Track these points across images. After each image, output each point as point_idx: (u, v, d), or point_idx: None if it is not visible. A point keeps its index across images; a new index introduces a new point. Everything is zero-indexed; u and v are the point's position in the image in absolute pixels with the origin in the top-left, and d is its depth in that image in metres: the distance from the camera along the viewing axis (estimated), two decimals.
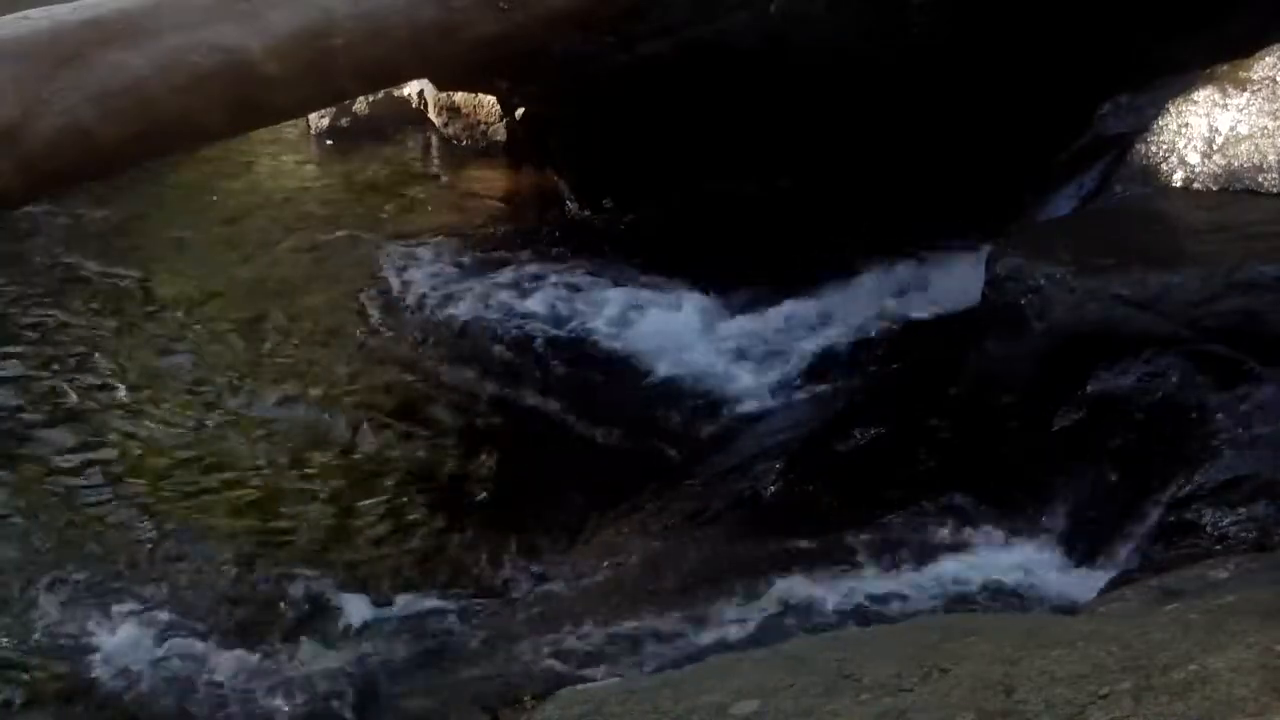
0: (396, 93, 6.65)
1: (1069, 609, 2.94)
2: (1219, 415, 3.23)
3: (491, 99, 6.35)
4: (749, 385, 4.54)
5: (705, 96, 4.96)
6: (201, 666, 3.39)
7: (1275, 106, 3.89)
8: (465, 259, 5.41)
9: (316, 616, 3.59)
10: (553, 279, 5.20)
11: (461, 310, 5.07)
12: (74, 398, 4.56)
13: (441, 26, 3.41)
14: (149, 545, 3.86)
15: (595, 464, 4.26)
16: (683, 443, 4.31)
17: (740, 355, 4.70)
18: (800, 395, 4.46)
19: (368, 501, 4.09)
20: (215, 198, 6.13)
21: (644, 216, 5.50)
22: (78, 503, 4.05)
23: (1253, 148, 3.88)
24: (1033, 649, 1.99)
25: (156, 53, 2.99)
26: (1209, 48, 4.23)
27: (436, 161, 6.55)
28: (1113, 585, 2.94)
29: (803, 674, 2.05)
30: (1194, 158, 3.95)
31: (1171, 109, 4.04)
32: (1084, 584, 3.19)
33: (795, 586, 3.40)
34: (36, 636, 3.49)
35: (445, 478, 4.21)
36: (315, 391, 4.62)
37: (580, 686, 2.38)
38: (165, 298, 5.26)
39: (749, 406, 4.46)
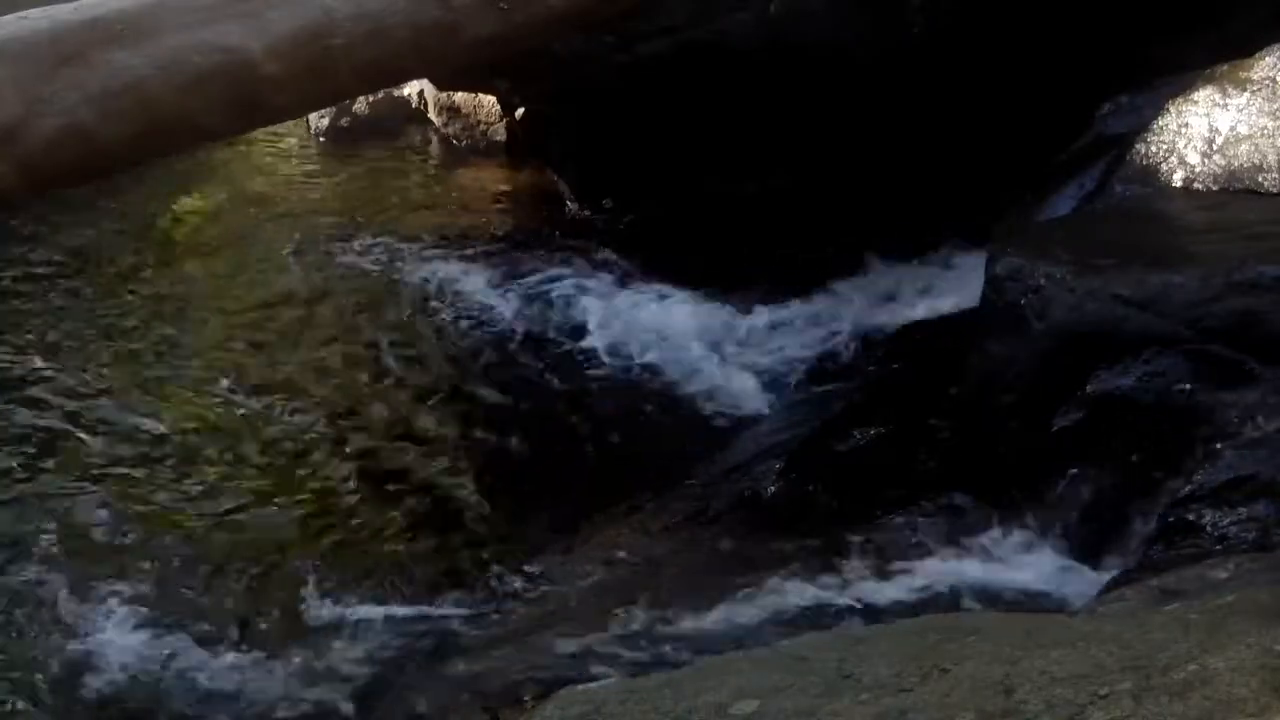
0: (396, 93, 6.65)
1: (1069, 609, 2.94)
2: (1219, 415, 3.22)
3: (491, 99, 6.35)
4: (749, 385, 4.54)
5: (705, 96, 4.96)
6: (201, 666, 3.39)
7: (1275, 106, 3.89)
8: (465, 259, 5.41)
9: (316, 616, 3.59)
10: (552, 279, 5.20)
11: (461, 310, 5.07)
12: (74, 397, 4.56)
13: (442, 26, 3.41)
14: (149, 545, 3.86)
15: (595, 464, 4.26)
16: (682, 443, 4.31)
17: (740, 355, 4.70)
18: (800, 395, 4.46)
19: (367, 502, 4.09)
20: (214, 197, 6.13)
21: (644, 216, 5.50)
22: (78, 502, 4.05)
23: (1253, 148, 3.88)
24: (1033, 649, 1.99)
25: (156, 53, 2.99)
26: (1209, 48, 4.24)
27: (436, 161, 6.55)
28: (1113, 585, 2.94)
29: (803, 674, 2.05)
30: (1194, 158, 3.95)
31: (1171, 109, 4.04)
32: (1084, 584, 3.19)
33: (795, 586, 3.39)
34: (36, 636, 3.49)
35: (445, 477, 4.21)
36: (313, 392, 4.62)
37: (580, 686, 2.38)
38: (164, 298, 5.26)
39: (749, 406, 4.46)
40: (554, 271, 5.26)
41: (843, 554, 3.50)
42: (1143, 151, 4.04)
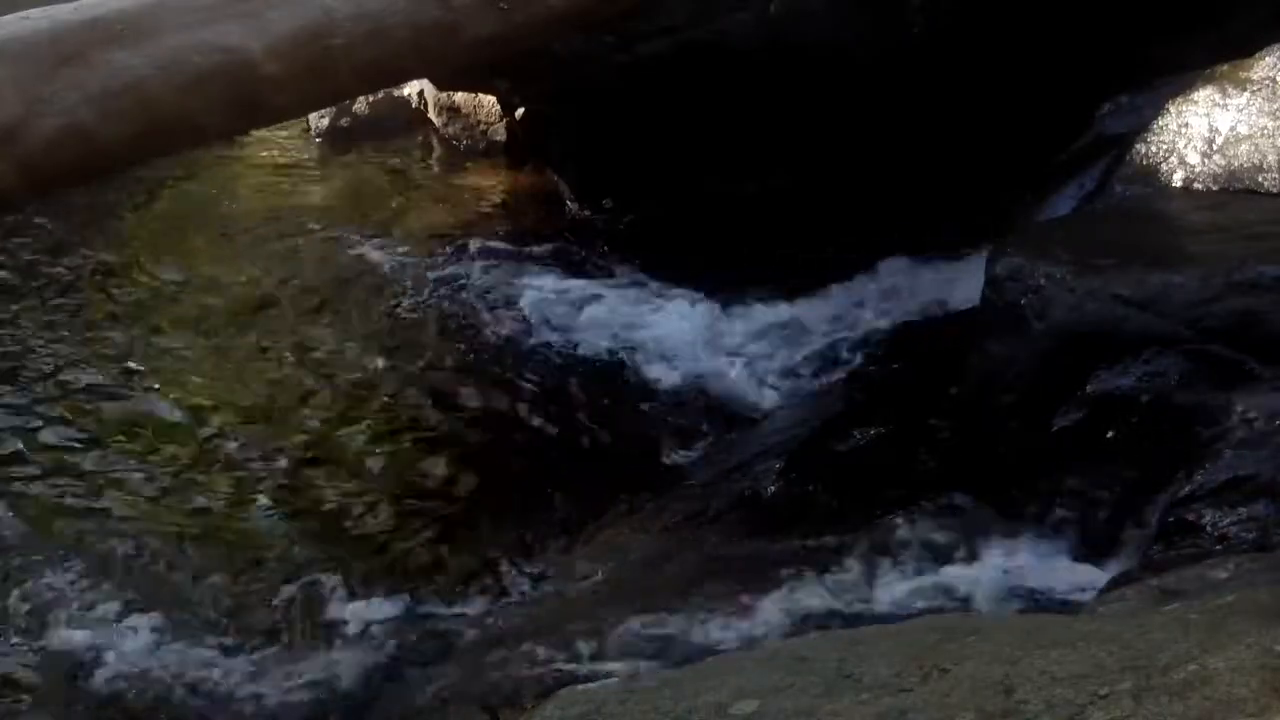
0: (396, 93, 6.65)
1: (1069, 609, 2.94)
2: (1219, 415, 3.22)
3: (491, 99, 6.35)
4: (749, 385, 4.54)
5: (705, 96, 4.96)
6: (201, 666, 3.39)
7: (1275, 106, 3.89)
8: (465, 259, 5.41)
9: (317, 617, 3.59)
10: (552, 279, 5.21)
11: (461, 311, 5.07)
12: (75, 396, 4.56)
13: (442, 26, 3.41)
14: (149, 545, 3.86)
15: (596, 464, 4.26)
16: (683, 443, 4.32)
17: (740, 355, 4.70)
18: (800, 395, 4.46)
19: (368, 501, 4.09)
20: (214, 198, 6.13)
21: (644, 216, 5.50)
22: (78, 502, 4.05)
23: (1253, 148, 3.88)
24: (1033, 649, 1.99)
25: (156, 53, 2.99)
26: (1209, 48, 4.24)
27: (436, 162, 6.55)
28: (1113, 585, 2.94)
29: (803, 674, 2.05)
30: (1194, 158, 3.95)
31: (1171, 109, 4.04)
32: (1084, 584, 3.19)
33: (795, 586, 3.40)
34: (37, 636, 3.49)
35: (445, 478, 4.21)
36: (313, 392, 4.62)
37: (580, 686, 2.38)
38: (164, 297, 5.26)
39: (749, 406, 4.46)
40: (553, 272, 5.26)
41: (843, 554, 3.50)
42: (1143, 151, 4.04)
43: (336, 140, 6.68)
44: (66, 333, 4.96)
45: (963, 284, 4.45)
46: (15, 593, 3.65)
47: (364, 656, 3.43)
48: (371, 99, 6.56)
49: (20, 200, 3.10)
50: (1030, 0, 4.71)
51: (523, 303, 5.06)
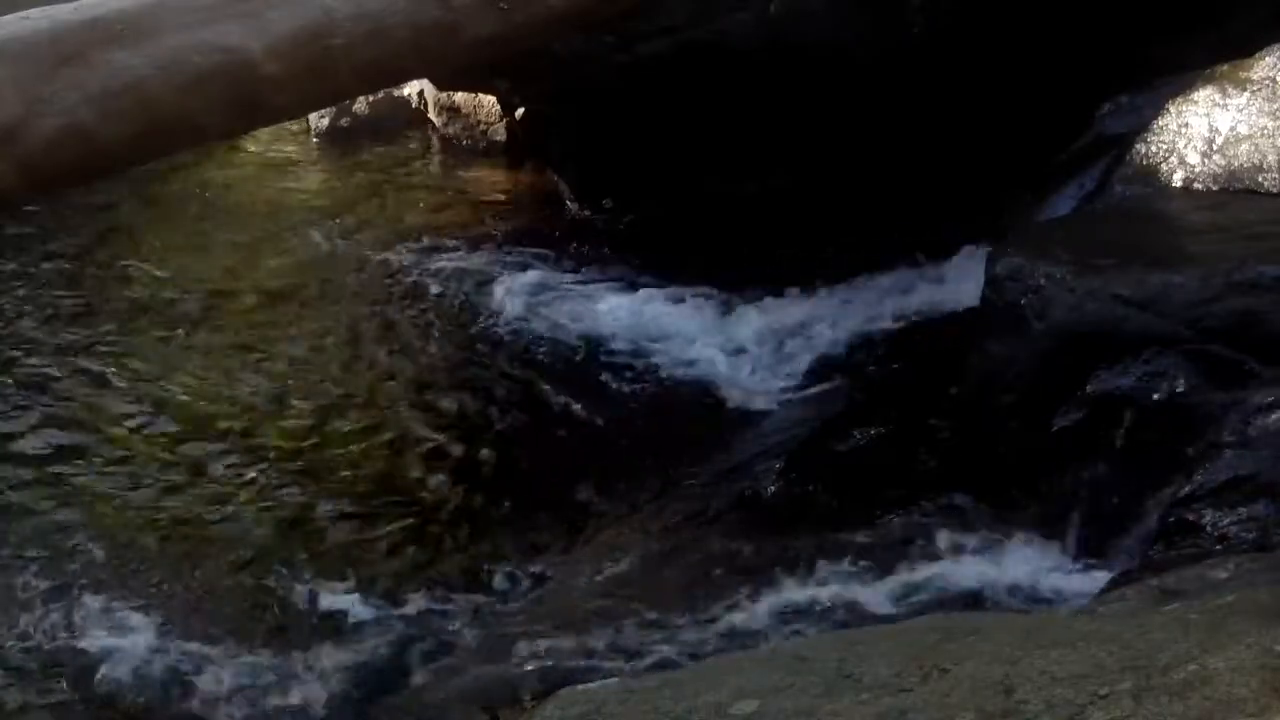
0: (396, 93, 6.65)
1: (1069, 609, 2.94)
2: (1219, 415, 3.22)
3: (491, 99, 6.35)
4: (749, 385, 4.54)
5: (705, 96, 4.96)
6: (201, 667, 3.40)
7: (1275, 106, 3.89)
8: (465, 259, 5.41)
9: (316, 616, 3.59)
10: (552, 279, 5.21)
11: (459, 310, 5.07)
12: (76, 396, 4.56)
13: (442, 26, 3.41)
14: (150, 545, 3.86)
15: (595, 464, 4.26)
16: (683, 442, 4.31)
17: (740, 355, 4.70)
18: (800, 395, 4.46)
19: (367, 502, 4.09)
20: (214, 198, 6.13)
21: (644, 216, 5.50)
22: (79, 502, 4.05)
23: (1253, 148, 3.88)
24: (1033, 649, 1.99)
25: (156, 53, 2.99)
26: (1209, 48, 4.24)
27: (436, 161, 6.55)
28: (1113, 585, 2.94)
29: (803, 674, 2.06)
30: (1194, 158, 3.95)
31: (1171, 109, 4.04)
32: (1084, 584, 3.19)
33: (795, 586, 3.40)
34: (37, 636, 3.49)
35: (445, 477, 4.21)
36: (314, 392, 4.62)
37: (580, 686, 2.38)
38: (164, 298, 5.26)
39: (749, 406, 4.46)
40: (553, 271, 5.26)
41: (843, 554, 3.50)
42: (1143, 151, 4.04)
43: (336, 140, 6.67)
44: (55, 331, 4.96)
45: (962, 284, 4.45)
46: (13, 594, 3.64)
47: (364, 657, 3.43)
48: (371, 99, 6.56)
49: (20, 200, 3.10)
50: (1031, 0, 4.71)
51: (522, 303, 5.06)
